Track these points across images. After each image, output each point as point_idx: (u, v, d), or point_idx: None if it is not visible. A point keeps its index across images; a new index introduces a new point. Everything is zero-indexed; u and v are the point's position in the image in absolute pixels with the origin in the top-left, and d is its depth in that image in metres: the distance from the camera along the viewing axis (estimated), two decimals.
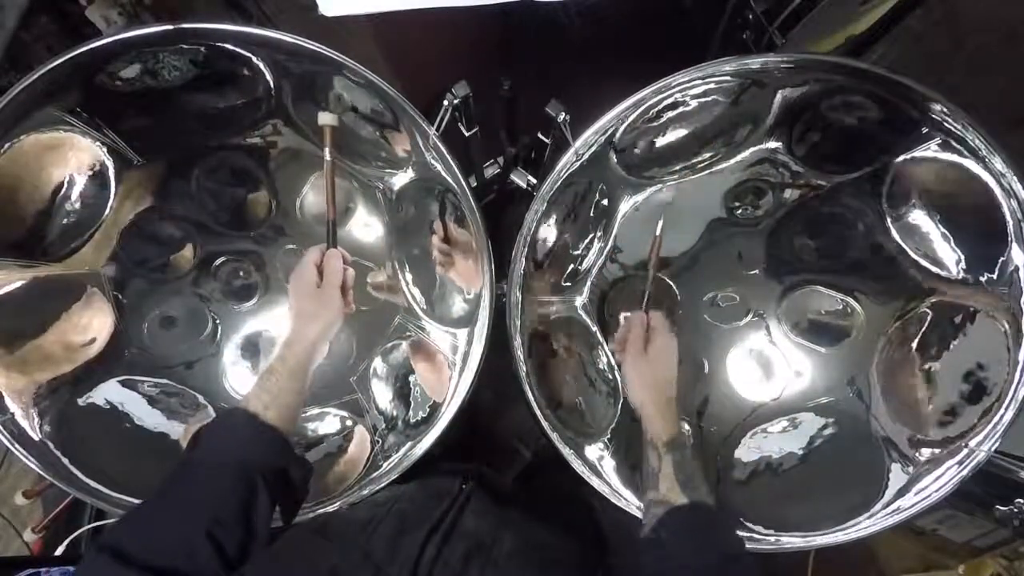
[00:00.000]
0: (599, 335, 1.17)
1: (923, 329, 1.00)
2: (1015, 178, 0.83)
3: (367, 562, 0.68)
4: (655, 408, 0.89)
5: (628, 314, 0.98)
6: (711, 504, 0.79)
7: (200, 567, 0.62)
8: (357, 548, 0.70)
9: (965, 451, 0.89)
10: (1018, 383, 0.87)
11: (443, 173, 0.99)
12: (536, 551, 0.77)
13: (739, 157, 1.06)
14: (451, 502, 0.80)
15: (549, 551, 0.81)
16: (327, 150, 0.93)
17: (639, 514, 0.96)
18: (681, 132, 1.03)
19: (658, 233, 1.01)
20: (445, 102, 0.98)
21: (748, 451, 1.11)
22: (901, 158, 0.95)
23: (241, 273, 1.18)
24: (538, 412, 0.97)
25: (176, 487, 0.70)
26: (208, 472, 0.70)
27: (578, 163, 0.95)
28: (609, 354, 1.16)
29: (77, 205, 0.98)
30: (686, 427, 0.96)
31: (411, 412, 1.12)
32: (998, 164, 0.84)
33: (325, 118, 0.93)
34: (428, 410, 1.09)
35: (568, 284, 1.15)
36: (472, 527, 0.76)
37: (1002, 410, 0.87)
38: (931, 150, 0.91)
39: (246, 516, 0.68)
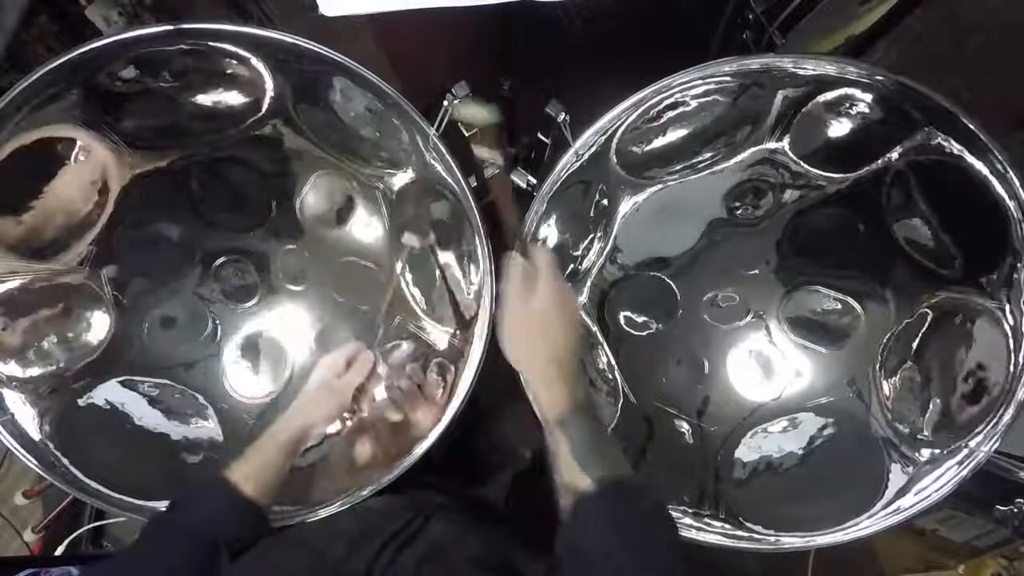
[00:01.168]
0: (599, 335, 1.17)
1: (923, 329, 1.00)
2: (1015, 178, 0.83)
3: (323, 564, 0.68)
4: (537, 375, 0.75)
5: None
6: (618, 478, 0.68)
7: None
8: (316, 551, 0.70)
9: (965, 451, 0.89)
10: (1018, 383, 0.87)
11: (443, 173, 0.99)
12: (499, 557, 0.75)
13: (739, 157, 1.06)
14: (417, 511, 0.79)
15: (513, 558, 0.77)
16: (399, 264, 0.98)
17: None
18: (681, 132, 1.03)
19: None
20: (445, 103, 0.98)
21: (748, 451, 1.11)
22: (901, 158, 0.95)
23: (241, 273, 1.18)
24: (538, 412, 0.97)
25: (146, 548, 0.72)
26: (180, 539, 0.71)
27: (578, 163, 0.95)
28: (609, 354, 1.16)
29: (77, 204, 0.98)
30: (581, 393, 0.75)
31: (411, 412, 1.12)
32: (998, 164, 0.84)
33: (409, 239, 0.98)
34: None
35: (568, 284, 1.15)
36: (437, 534, 0.75)
37: (1002, 410, 0.88)
38: (931, 150, 0.91)
39: None
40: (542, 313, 0.76)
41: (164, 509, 0.77)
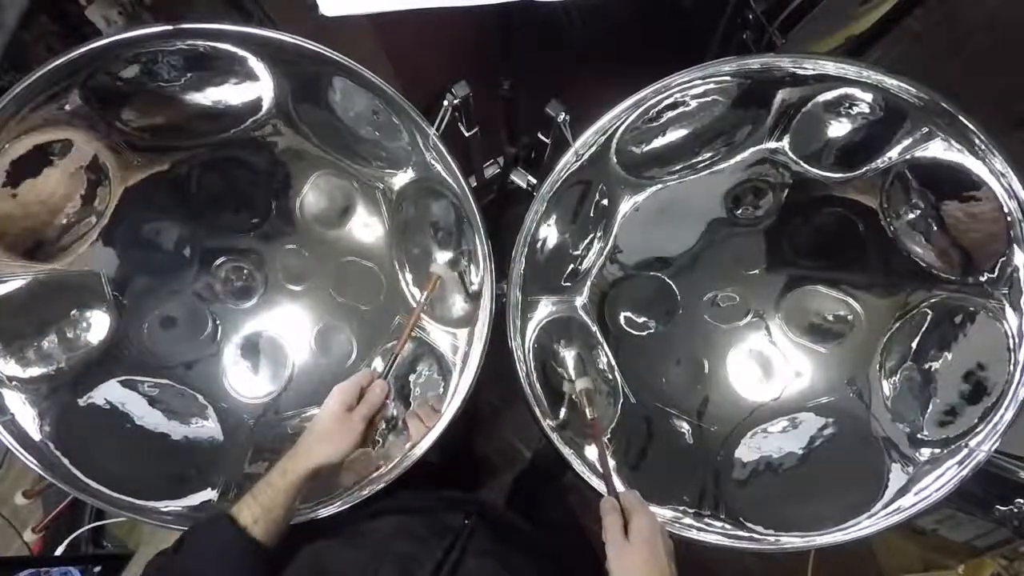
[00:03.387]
0: (599, 335, 1.17)
1: (923, 329, 1.00)
2: (1015, 178, 0.83)
3: None
4: None
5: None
6: None
7: None
8: None
9: (965, 451, 0.89)
10: (1018, 383, 0.87)
11: (443, 173, 0.99)
12: None
13: (739, 157, 1.06)
14: (453, 539, 0.78)
15: None
16: (424, 295, 0.99)
17: None
18: (681, 132, 1.03)
19: (590, 416, 0.94)
20: (445, 102, 0.98)
21: (748, 451, 1.11)
22: (901, 158, 0.95)
23: (241, 273, 1.18)
24: (538, 412, 0.97)
25: None
26: None
27: (578, 163, 0.95)
28: (609, 354, 1.16)
29: (77, 205, 0.98)
30: None
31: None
32: (998, 164, 0.84)
33: (437, 268, 0.99)
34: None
35: (568, 284, 1.15)
36: (474, 568, 0.75)
37: (1002, 410, 0.88)
38: (931, 150, 0.91)
39: None
40: (642, 545, 0.75)
41: (171, 549, 0.75)
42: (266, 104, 1.00)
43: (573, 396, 1.02)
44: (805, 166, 1.04)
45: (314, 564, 0.76)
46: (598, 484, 0.97)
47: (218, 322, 1.17)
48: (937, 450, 0.93)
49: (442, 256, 0.95)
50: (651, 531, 0.76)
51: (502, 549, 0.81)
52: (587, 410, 0.95)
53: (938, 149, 0.90)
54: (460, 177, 0.95)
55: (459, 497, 0.93)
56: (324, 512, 0.94)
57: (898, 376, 1.02)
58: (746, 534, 0.97)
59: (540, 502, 1.29)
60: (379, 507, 0.92)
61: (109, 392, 1.03)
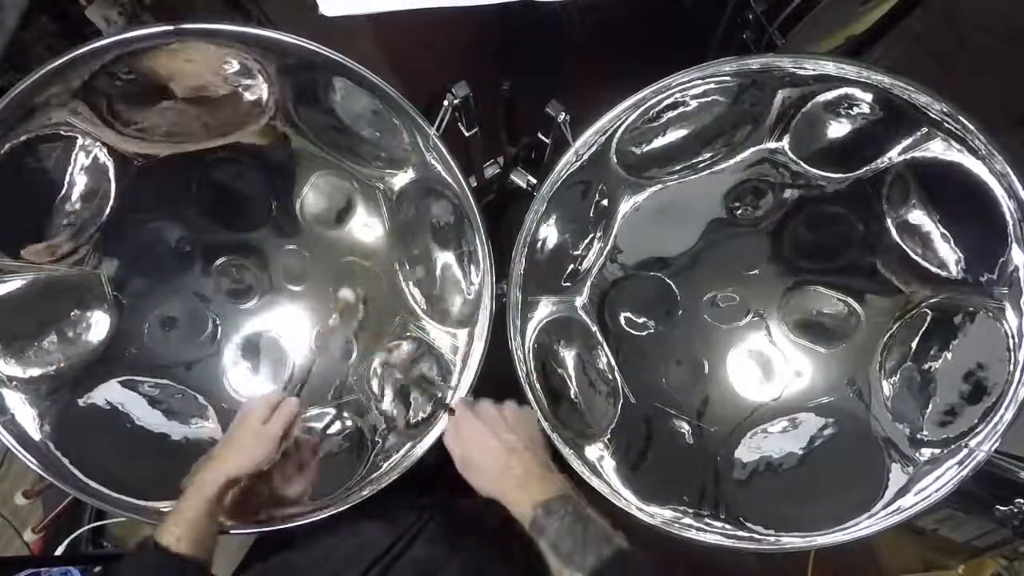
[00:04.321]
0: (599, 335, 1.17)
1: (923, 329, 1.00)
2: (1015, 178, 0.83)
3: None
4: (496, 489, 0.76)
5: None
6: (604, 562, 0.66)
7: None
8: None
9: (965, 451, 0.89)
10: (1018, 383, 0.87)
11: (443, 173, 0.99)
12: None
13: (739, 157, 1.06)
14: (403, 532, 0.79)
15: None
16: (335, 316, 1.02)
17: (640, 515, 0.96)
18: (681, 132, 1.03)
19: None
20: (445, 102, 0.98)
21: (748, 451, 1.11)
22: (901, 158, 0.95)
23: (241, 273, 1.18)
24: (538, 412, 0.97)
25: None
26: None
27: (578, 163, 0.95)
28: (609, 354, 1.16)
29: (77, 205, 0.98)
30: (544, 490, 0.72)
31: (411, 412, 1.12)
32: (998, 164, 0.84)
33: (345, 294, 1.03)
34: (429, 410, 1.09)
35: (568, 284, 1.15)
36: (421, 555, 0.76)
37: (1002, 410, 0.88)
38: (931, 150, 0.91)
39: None
40: (477, 432, 0.80)
41: None
42: (266, 104, 1.00)
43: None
44: (805, 166, 1.04)
45: (261, 573, 0.77)
46: (598, 484, 0.97)
47: (218, 322, 1.17)
48: (937, 450, 0.93)
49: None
50: (473, 430, 0.80)
51: (457, 539, 0.82)
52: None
53: (938, 149, 0.90)
54: (460, 177, 0.95)
55: (422, 500, 0.94)
56: (324, 513, 0.94)
57: (898, 376, 1.02)
58: (746, 534, 0.97)
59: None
60: (336, 516, 0.93)
61: (109, 392, 1.03)
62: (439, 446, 0.99)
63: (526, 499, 0.72)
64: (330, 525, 0.92)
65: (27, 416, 0.93)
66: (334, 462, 1.08)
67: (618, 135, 0.97)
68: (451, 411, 0.88)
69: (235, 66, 0.94)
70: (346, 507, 0.94)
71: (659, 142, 1.04)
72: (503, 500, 0.74)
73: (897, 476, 0.95)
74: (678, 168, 1.09)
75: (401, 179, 1.10)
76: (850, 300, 1.10)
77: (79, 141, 0.94)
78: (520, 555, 0.80)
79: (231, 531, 0.90)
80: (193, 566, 0.75)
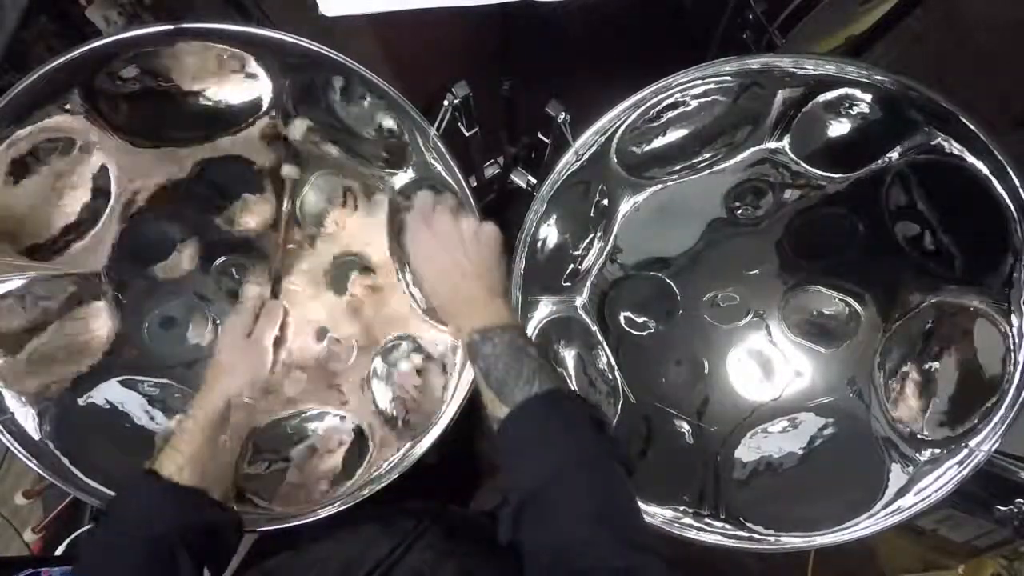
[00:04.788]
0: (599, 335, 1.17)
1: (923, 329, 1.00)
2: (1015, 178, 0.83)
3: None
4: (446, 300, 0.73)
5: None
6: (537, 394, 0.62)
7: None
8: None
9: (965, 451, 0.89)
10: (1018, 383, 0.87)
11: (443, 173, 0.99)
12: None
13: (739, 157, 1.06)
14: (401, 539, 0.77)
15: None
16: (286, 202, 0.95)
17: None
18: (681, 132, 1.03)
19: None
20: (445, 102, 0.98)
21: (748, 451, 1.11)
22: (901, 158, 0.95)
23: (241, 273, 1.18)
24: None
25: (88, 571, 0.67)
26: (120, 554, 0.65)
27: (578, 163, 0.95)
28: (609, 354, 1.16)
29: (77, 205, 0.98)
30: (494, 313, 0.68)
31: (411, 412, 1.12)
32: (998, 164, 0.84)
33: (288, 170, 0.96)
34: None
35: (568, 284, 1.15)
36: (416, 562, 0.74)
37: (1002, 410, 0.88)
38: (931, 150, 0.91)
39: None
40: (443, 232, 0.75)
41: (93, 525, 0.71)
42: (266, 104, 1.00)
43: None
44: (805, 166, 1.04)
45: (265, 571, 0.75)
46: None
47: (218, 322, 1.17)
48: (937, 450, 0.93)
49: (292, 171, 0.95)
50: (453, 218, 0.75)
51: (452, 546, 0.80)
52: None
53: (938, 149, 0.90)
54: (460, 177, 0.95)
55: (419, 506, 0.93)
56: (323, 512, 0.94)
57: (898, 376, 1.02)
58: (746, 534, 0.97)
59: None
60: (336, 519, 0.92)
61: (109, 392, 1.03)
62: (439, 446, 0.99)
63: (466, 324, 0.68)
64: (330, 527, 0.91)
65: (27, 416, 0.93)
66: (333, 464, 1.08)
67: (618, 135, 0.97)
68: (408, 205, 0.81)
69: (236, 66, 0.94)
70: (346, 507, 0.94)
71: (659, 142, 1.04)
72: (448, 321, 0.71)
73: (897, 476, 0.95)
74: (678, 168, 1.09)
75: (401, 179, 1.10)
76: (850, 300, 1.10)
77: (79, 141, 0.94)
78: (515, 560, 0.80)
79: (252, 530, 0.88)
80: (197, 493, 0.71)
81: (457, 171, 0.95)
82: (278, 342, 0.85)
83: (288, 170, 0.94)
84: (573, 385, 1.13)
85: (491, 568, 0.78)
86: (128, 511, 0.70)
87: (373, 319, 1.19)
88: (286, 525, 0.92)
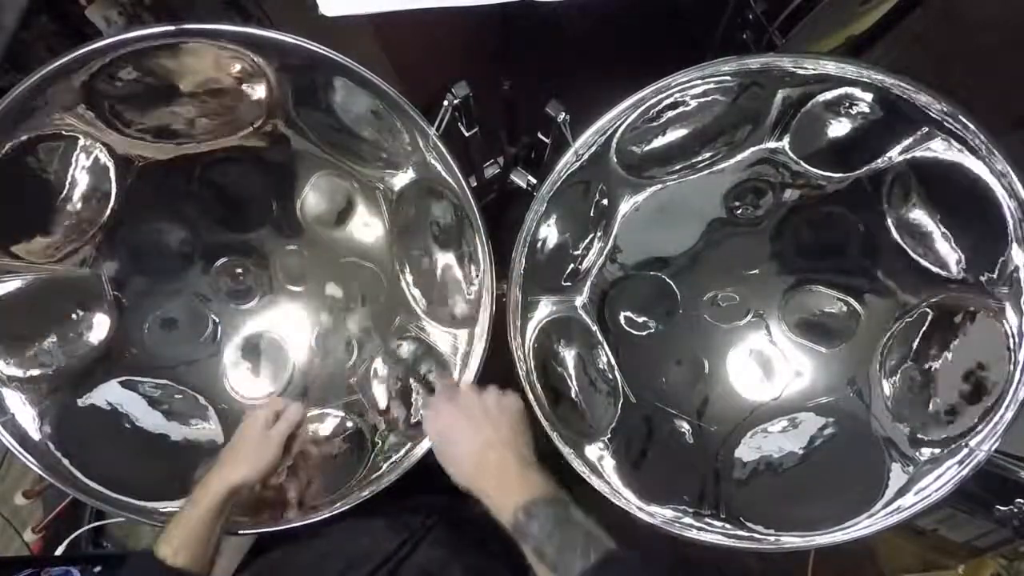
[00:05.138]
0: (599, 334, 1.17)
1: (923, 329, 1.00)
2: (1015, 178, 0.83)
3: None
4: (475, 484, 0.72)
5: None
6: (593, 564, 0.62)
7: None
8: None
9: (965, 451, 0.89)
10: (1018, 383, 0.87)
11: (443, 173, 0.99)
12: None
13: (739, 157, 1.06)
14: (408, 535, 0.78)
15: None
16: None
17: (640, 515, 0.96)
18: (681, 132, 1.03)
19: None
20: (445, 102, 0.98)
21: (748, 451, 1.11)
22: (901, 158, 0.95)
23: (242, 274, 1.18)
24: (538, 411, 0.97)
25: None
26: None
27: (578, 163, 0.95)
28: (609, 354, 1.16)
29: (78, 206, 0.98)
30: (529, 488, 0.68)
31: (412, 413, 1.12)
32: (998, 164, 0.84)
33: (332, 290, 1.00)
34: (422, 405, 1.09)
35: (568, 284, 1.15)
36: (423, 560, 0.74)
37: (1002, 410, 0.87)
38: (931, 150, 0.91)
39: None
40: (454, 419, 0.76)
41: None
42: (266, 105, 1.00)
43: None
44: (805, 166, 1.04)
45: (266, 568, 0.76)
46: (598, 484, 0.97)
47: (218, 322, 1.17)
48: (937, 450, 0.93)
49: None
50: (454, 416, 0.76)
51: (459, 543, 0.80)
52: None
53: (938, 149, 0.90)
54: (460, 177, 0.95)
55: (425, 501, 0.92)
56: (323, 515, 0.94)
57: (898, 376, 1.02)
58: (746, 534, 0.97)
59: None
60: (348, 512, 0.92)
61: (109, 393, 1.03)
62: None
63: (507, 502, 0.67)
64: (338, 522, 0.91)
65: (27, 416, 0.92)
66: (334, 463, 1.08)
67: (618, 135, 0.97)
68: (431, 391, 0.83)
69: (236, 66, 0.94)
70: (348, 507, 0.94)
71: (659, 142, 1.04)
72: (482, 499, 0.70)
73: (897, 476, 0.95)
74: (678, 168, 1.09)
75: (401, 179, 1.10)
76: (850, 300, 1.10)
77: (80, 141, 0.94)
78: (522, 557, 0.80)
79: (237, 532, 0.89)
80: None
81: (457, 171, 0.95)
82: (290, 440, 0.88)
83: (332, 289, 1.02)
84: (573, 385, 1.13)
85: (501, 569, 0.77)
86: None
87: (373, 320, 1.19)
88: (285, 527, 0.92)
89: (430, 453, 0.98)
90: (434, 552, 0.76)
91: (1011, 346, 0.88)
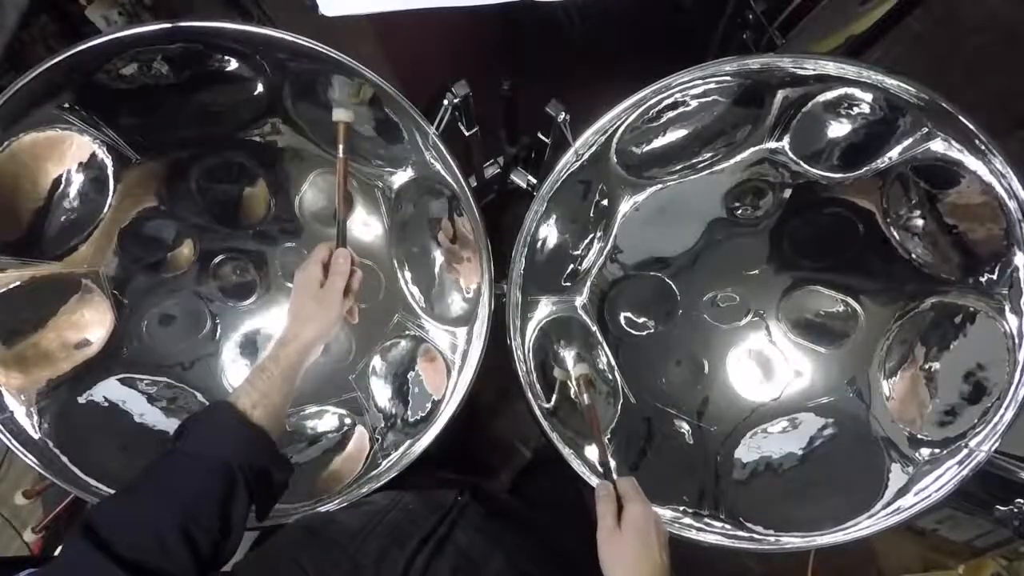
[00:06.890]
0: (599, 335, 1.17)
1: (923, 329, 1.00)
2: (1015, 178, 0.83)
3: (355, 569, 0.67)
4: None
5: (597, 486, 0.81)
6: None
7: (172, 565, 0.61)
8: (347, 554, 0.69)
9: (965, 451, 0.89)
10: (1018, 383, 0.87)
11: (443, 173, 0.99)
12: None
13: (739, 157, 1.06)
14: (444, 514, 0.79)
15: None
16: (340, 147, 0.91)
17: None
18: (681, 132, 1.03)
19: (587, 402, 0.95)
20: (445, 102, 0.98)
21: (748, 451, 1.11)
22: (901, 158, 0.95)
23: (240, 271, 1.18)
24: (538, 412, 0.97)
25: (158, 478, 0.69)
26: (190, 467, 0.69)
27: (578, 163, 0.95)
28: (609, 354, 1.16)
29: (76, 203, 0.97)
30: None
31: (410, 410, 1.12)
32: (998, 164, 0.84)
33: (340, 114, 0.91)
34: (427, 408, 1.09)
35: (568, 284, 1.15)
36: (464, 543, 0.75)
37: (1002, 410, 0.88)
38: (931, 150, 0.91)
39: (223, 514, 0.67)
40: (633, 535, 0.74)
41: (172, 437, 0.74)
42: (265, 103, 1.00)
43: (569, 383, 1.03)
44: (805, 166, 1.04)
45: (307, 524, 0.77)
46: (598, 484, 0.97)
47: (217, 320, 1.17)
48: (937, 450, 0.93)
49: (345, 114, 0.91)
50: (644, 520, 0.74)
51: (494, 527, 0.81)
52: (583, 396, 0.96)
53: (938, 149, 0.90)
54: (460, 177, 0.95)
55: (454, 477, 0.93)
56: (322, 508, 0.94)
57: (898, 376, 1.02)
58: (746, 534, 0.97)
59: (547, 486, 1.27)
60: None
61: (108, 390, 1.03)
62: (438, 442, 0.99)
63: None
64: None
65: (27, 415, 0.92)
66: (332, 460, 1.08)
67: (618, 135, 0.97)
68: (612, 481, 0.80)
69: (234, 65, 0.94)
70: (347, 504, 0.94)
71: (659, 142, 1.04)
72: None
73: (897, 476, 0.95)
74: (678, 168, 1.09)
75: (400, 178, 1.10)
76: (850, 300, 1.10)
77: (78, 140, 0.94)
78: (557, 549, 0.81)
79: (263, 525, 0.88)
80: (264, 434, 0.74)
81: (457, 171, 0.95)
82: (348, 290, 0.88)
83: (340, 114, 0.91)
84: (573, 385, 1.13)
85: (542, 565, 0.79)
86: (206, 433, 0.74)
87: (372, 318, 1.19)
88: (281, 522, 0.92)
89: (431, 445, 0.98)
90: (474, 538, 0.76)
91: (1011, 346, 0.88)
